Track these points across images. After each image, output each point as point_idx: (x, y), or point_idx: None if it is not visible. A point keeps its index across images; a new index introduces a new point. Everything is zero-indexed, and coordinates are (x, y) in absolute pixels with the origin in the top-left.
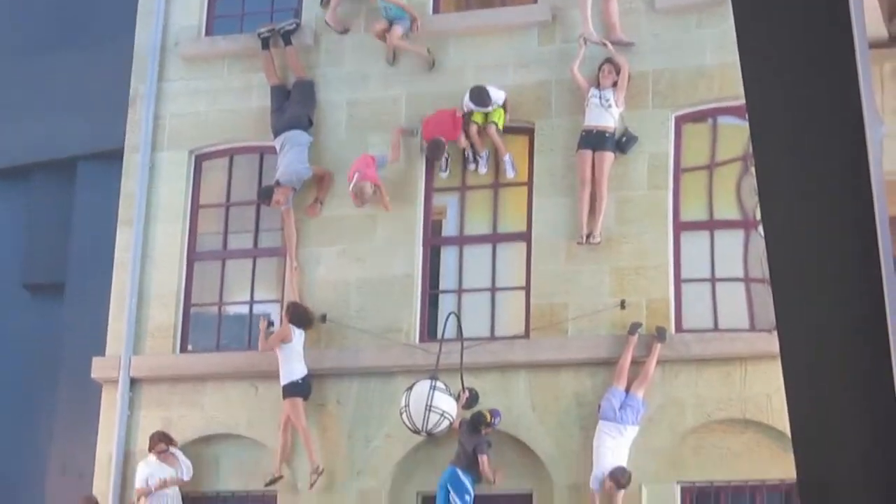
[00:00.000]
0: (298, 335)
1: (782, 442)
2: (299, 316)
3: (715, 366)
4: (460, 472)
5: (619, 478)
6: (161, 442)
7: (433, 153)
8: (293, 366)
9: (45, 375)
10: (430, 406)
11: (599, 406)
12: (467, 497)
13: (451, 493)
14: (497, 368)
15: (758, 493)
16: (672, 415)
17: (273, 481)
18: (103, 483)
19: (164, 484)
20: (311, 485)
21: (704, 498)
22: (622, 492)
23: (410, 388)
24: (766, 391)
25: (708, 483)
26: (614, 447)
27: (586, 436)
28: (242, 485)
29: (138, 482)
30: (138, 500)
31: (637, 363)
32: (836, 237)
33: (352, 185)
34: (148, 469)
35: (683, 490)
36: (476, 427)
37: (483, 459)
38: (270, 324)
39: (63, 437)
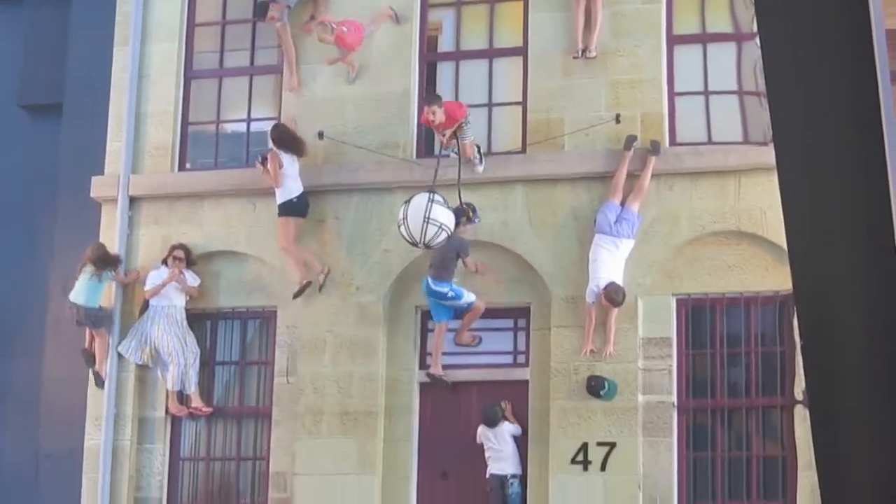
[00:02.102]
0: (289, 159)
1: (777, 253)
2: (284, 139)
3: (709, 178)
4: (430, 281)
5: (614, 296)
6: (181, 249)
7: (429, 100)
8: (288, 185)
9: (45, 195)
10: (428, 218)
11: (595, 220)
12: (450, 294)
13: (437, 301)
14: (494, 183)
15: (752, 305)
16: (667, 228)
17: (302, 290)
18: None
19: (174, 277)
20: (321, 287)
21: (699, 310)
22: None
23: (408, 201)
24: (760, 204)
25: (703, 295)
26: (610, 261)
27: (583, 249)
28: (243, 301)
29: (148, 284)
30: (142, 311)
31: (632, 177)
32: (834, 46)
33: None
34: (159, 276)
35: (678, 302)
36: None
37: (467, 261)
38: (262, 161)
39: (63, 257)
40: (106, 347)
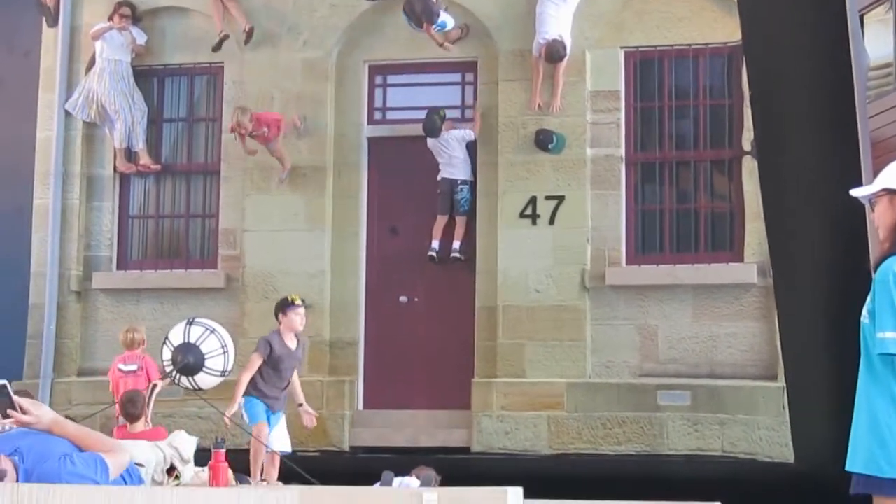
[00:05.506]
0: None
1: (726, 4)
2: None
3: None
4: None
5: (552, 53)
6: (126, 6)
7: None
8: None
9: None
10: None
11: None
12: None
13: None
14: None
15: (701, 57)
16: None
17: (220, 43)
18: (50, 58)
19: (123, 28)
20: (245, 41)
21: (647, 63)
22: (564, 60)
23: None
24: None
25: (651, 48)
26: (556, 14)
27: (530, 2)
28: (190, 57)
29: (94, 28)
30: (88, 68)
31: None
32: None
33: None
34: (104, 38)
35: (626, 55)
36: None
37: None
38: None
39: (4, 16)
40: None
